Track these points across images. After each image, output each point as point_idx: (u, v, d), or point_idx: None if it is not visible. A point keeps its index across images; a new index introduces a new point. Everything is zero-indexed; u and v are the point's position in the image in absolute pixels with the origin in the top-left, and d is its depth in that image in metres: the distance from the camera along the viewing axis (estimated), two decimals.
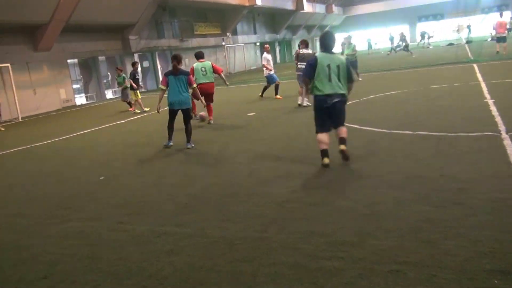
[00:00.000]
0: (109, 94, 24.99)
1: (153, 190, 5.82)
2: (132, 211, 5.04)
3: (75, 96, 22.85)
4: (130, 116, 14.66)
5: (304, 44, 12.32)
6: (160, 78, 28.30)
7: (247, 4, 33.40)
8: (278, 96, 14.57)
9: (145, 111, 15.19)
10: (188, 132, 8.20)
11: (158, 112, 8.43)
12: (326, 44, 5.95)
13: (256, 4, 33.82)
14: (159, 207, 5.09)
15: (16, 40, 18.90)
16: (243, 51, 38.83)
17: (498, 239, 3.39)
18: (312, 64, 5.83)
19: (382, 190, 4.79)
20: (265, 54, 14.82)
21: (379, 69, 21.23)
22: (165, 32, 28.29)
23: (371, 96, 12.04)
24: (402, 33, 30.78)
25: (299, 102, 11.96)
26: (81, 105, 22.32)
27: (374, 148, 6.68)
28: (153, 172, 6.82)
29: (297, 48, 14.19)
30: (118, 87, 16.83)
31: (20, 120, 17.71)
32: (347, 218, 4.11)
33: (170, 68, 8.29)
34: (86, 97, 24.30)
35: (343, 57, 6.16)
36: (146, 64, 27.45)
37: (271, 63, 14.73)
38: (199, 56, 11.12)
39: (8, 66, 17.46)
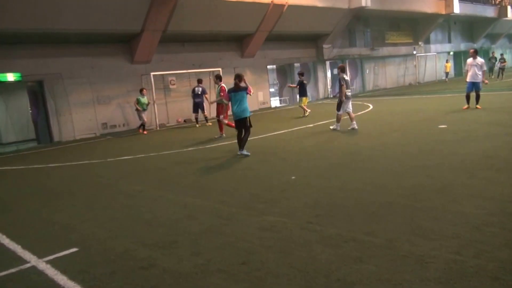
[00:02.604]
0: None
1: (340, 194, 5.78)
2: (321, 213, 5.07)
3: (271, 99, 24.42)
4: (317, 120, 14.89)
5: (340, 68, 11.81)
6: None
7: (443, 12, 30.86)
8: (478, 106, 13.59)
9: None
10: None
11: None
12: None
13: (454, 12, 30.96)
14: (346, 212, 5.01)
15: (227, 47, 21.19)
16: (435, 60, 36.04)
17: None
18: None
19: None
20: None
21: None
22: (356, 41, 28.13)
23: None
24: None
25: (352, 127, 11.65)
26: (275, 107, 23.75)
27: None
28: (339, 177, 6.77)
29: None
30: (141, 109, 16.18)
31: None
32: None
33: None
34: (280, 100, 25.75)
35: None
36: (335, 71, 27.72)
37: (473, 68, 13.48)
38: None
39: (219, 70, 19.67)
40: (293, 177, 6.98)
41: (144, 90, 16.28)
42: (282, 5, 19.92)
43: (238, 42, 21.39)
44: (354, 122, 11.76)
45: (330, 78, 27.11)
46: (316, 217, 4.93)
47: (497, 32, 41.83)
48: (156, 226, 5.24)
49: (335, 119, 12.16)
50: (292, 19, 20.91)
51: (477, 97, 13.61)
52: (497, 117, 11.52)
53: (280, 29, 21.10)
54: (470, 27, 39.45)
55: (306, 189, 6.22)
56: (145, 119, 16.25)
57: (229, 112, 11.19)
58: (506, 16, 38.03)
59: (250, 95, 9.53)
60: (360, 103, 20.05)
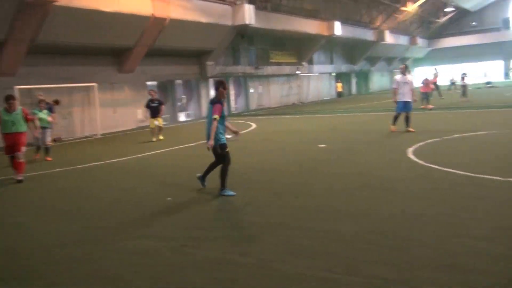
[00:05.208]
0: (182, 117, 25.96)
1: (217, 215, 5.93)
2: (196, 235, 5.13)
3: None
4: (197, 140, 15.02)
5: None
6: (233, 104, 29.13)
7: (325, 34, 33.64)
8: (410, 129, 12.88)
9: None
10: None
11: None
12: None
13: (335, 34, 33.95)
14: (223, 234, 5.14)
15: (104, 61, 20.49)
16: (318, 80, 38.94)
17: None
18: None
19: (464, 239, 4.50)
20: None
21: (463, 107, 20.36)
22: (241, 59, 29.18)
23: (454, 136, 11.48)
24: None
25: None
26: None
27: (456, 192, 6.35)
28: (217, 197, 6.87)
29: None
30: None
31: (99, 136, 18.94)
32: (423, 267, 3.90)
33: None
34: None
35: None
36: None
37: (404, 86, 13.00)
38: None
39: (94, 85, 18.93)
40: (169, 199, 6.96)
41: (41, 103, 12.67)
42: (164, 19, 19.94)
43: (116, 56, 20.82)
44: None
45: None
46: (190, 240, 4.98)
47: (376, 55, 46.74)
48: (12, 256, 4.87)
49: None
50: (175, 34, 21.03)
51: (408, 119, 13.02)
52: (384, 136, 12.73)
53: (162, 44, 21.06)
54: (351, 50, 43.49)
55: (182, 211, 6.25)
56: (48, 141, 12.56)
57: None
58: (384, 40, 42.77)
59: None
60: (243, 122, 20.73)
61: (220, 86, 6.99)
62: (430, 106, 20.47)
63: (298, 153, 10.72)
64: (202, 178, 7.38)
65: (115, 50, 20.25)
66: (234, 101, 29.46)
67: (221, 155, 6.92)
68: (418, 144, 10.45)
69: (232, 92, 28.94)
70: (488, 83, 38.21)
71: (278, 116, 23.78)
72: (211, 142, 6.71)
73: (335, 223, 5.31)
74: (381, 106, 24.20)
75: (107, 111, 20.59)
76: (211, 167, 7.23)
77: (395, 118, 13.13)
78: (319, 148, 11.28)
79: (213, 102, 6.92)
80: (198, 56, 25.28)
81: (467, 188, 6.51)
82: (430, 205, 5.76)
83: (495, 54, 52.74)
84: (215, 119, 6.73)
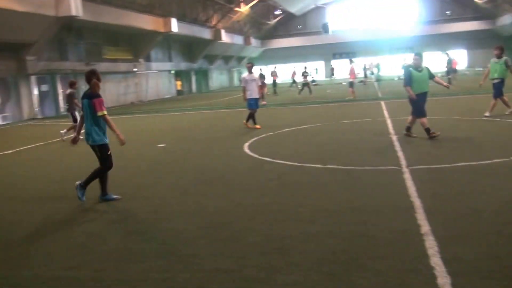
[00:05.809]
0: None
1: (44, 229, 5.42)
2: (15, 253, 4.62)
3: None
4: (20, 145, 13.63)
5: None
6: (61, 104, 26.80)
7: (162, 30, 33.32)
8: (248, 124, 13.42)
9: None
10: None
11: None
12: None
13: (172, 31, 33.87)
14: (48, 248, 4.72)
15: None
16: (157, 78, 38.44)
17: (399, 269, 3.60)
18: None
19: (291, 223, 4.92)
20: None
21: (292, 103, 22.19)
22: (69, 54, 27.13)
23: (284, 130, 12.46)
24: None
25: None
26: None
27: (284, 181, 6.88)
28: (43, 209, 6.28)
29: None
30: None
31: None
32: (256, 253, 4.14)
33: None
34: None
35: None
36: (45, 88, 25.86)
37: (252, 84, 13.30)
38: None
39: None
40: None
41: None
42: None
43: None
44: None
45: (37, 95, 25.07)
46: (7, 260, 4.47)
47: (214, 54, 48.09)
48: None
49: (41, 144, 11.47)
50: None
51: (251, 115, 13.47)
52: (221, 133, 13.06)
53: None
54: (189, 47, 43.94)
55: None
56: None
57: None
58: (221, 39, 44.18)
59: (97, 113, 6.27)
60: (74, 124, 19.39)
61: (93, 77, 6.37)
62: (264, 102, 21.87)
63: (136, 155, 10.40)
64: (82, 187, 6.35)
65: None
66: (63, 101, 27.30)
67: (103, 157, 6.38)
68: (253, 139, 11.06)
69: (60, 91, 26.66)
70: (313, 81, 42.29)
71: (115, 116, 22.58)
72: (121, 137, 6.43)
73: (171, 222, 5.31)
74: (221, 104, 25.00)
75: None
76: (97, 174, 6.37)
77: (253, 116, 13.38)
78: (158, 148, 11.15)
79: (89, 96, 6.28)
80: (15, 50, 22.51)
81: (294, 177, 7.15)
82: (262, 195, 6.16)
83: (318, 55, 59.55)
84: (103, 115, 6.24)
